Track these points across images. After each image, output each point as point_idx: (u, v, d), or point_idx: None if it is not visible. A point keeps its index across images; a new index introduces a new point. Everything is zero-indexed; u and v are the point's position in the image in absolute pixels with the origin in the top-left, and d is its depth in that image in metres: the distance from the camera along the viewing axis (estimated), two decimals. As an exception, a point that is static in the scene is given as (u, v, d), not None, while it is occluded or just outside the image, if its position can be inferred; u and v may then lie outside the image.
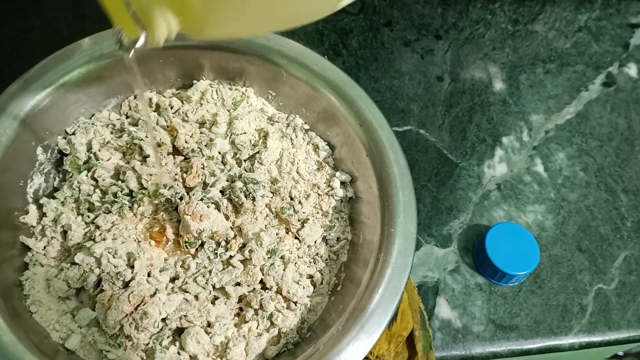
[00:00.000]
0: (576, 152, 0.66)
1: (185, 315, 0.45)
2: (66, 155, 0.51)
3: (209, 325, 0.45)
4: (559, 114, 0.69)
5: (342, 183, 0.53)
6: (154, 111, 0.54)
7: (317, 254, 0.50)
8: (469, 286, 0.57)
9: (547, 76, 0.71)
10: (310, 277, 0.49)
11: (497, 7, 0.76)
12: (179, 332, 0.46)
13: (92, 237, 0.47)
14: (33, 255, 0.47)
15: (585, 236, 0.61)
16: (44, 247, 0.48)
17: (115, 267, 0.45)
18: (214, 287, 0.47)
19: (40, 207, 0.49)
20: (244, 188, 0.49)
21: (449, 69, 0.70)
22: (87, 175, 0.50)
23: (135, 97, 0.55)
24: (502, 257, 0.55)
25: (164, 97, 0.55)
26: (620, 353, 1.42)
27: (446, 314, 0.55)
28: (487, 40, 0.73)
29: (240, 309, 0.48)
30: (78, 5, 0.67)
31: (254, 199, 0.48)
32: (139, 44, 0.35)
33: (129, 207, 0.48)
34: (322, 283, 0.49)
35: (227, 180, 0.50)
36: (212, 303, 0.46)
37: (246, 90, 0.56)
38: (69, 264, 0.46)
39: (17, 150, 0.47)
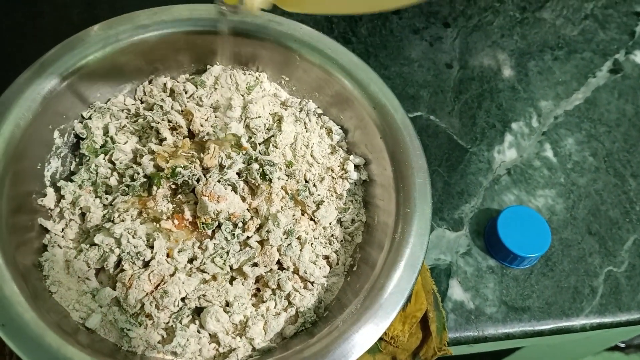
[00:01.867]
0: (585, 137, 0.66)
1: (204, 295, 0.45)
2: (83, 139, 0.52)
3: (228, 304, 0.46)
4: (567, 100, 0.69)
5: (356, 166, 0.53)
6: (168, 96, 0.54)
7: (332, 235, 0.51)
8: (480, 269, 0.57)
9: (555, 63, 0.72)
10: (326, 257, 0.50)
11: (505, -5, 0.77)
12: (198, 311, 0.46)
13: (111, 219, 0.47)
14: (52, 237, 0.47)
15: (595, 220, 0.61)
16: (62, 229, 0.48)
17: (135, 247, 0.45)
18: (231, 267, 0.47)
19: (57, 190, 0.49)
20: (260, 170, 0.49)
21: (457, 56, 0.70)
22: (104, 159, 0.50)
23: (150, 82, 0.55)
24: (514, 240, 0.56)
25: (177, 82, 0.55)
26: (622, 344, 1.43)
27: (459, 295, 0.56)
28: (496, 28, 0.73)
29: (258, 289, 0.48)
30: (89, -8, 0.67)
31: (270, 181, 0.49)
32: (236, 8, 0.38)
33: (147, 189, 0.49)
34: (337, 264, 0.50)
35: (244, 163, 0.50)
36: (230, 283, 0.47)
37: (259, 75, 0.56)
38: (89, 245, 0.46)
39: (35, 134, 0.47)
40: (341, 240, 0.51)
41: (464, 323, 0.55)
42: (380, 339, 0.53)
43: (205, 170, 0.50)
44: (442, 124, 0.65)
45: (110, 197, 0.49)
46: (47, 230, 0.48)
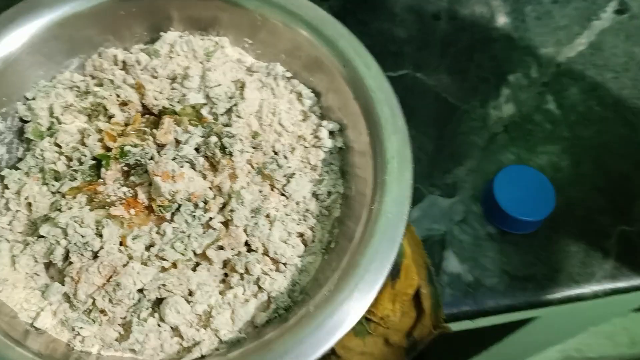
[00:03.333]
0: (590, 85, 0.60)
1: (164, 285, 0.41)
2: (27, 122, 0.47)
3: (190, 293, 0.41)
4: (570, 45, 0.63)
5: (331, 133, 0.48)
6: (120, 69, 0.50)
7: (306, 210, 0.46)
8: (479, 237, 0.52)
9: (554, 6, 0.65)
10: (301, 235, 0.45)
11: (495, -64, 0.70)
12: (160, 303, 0.42)
13: (59, 208, 0.43)
14: (-2, 231, 0.43)
15: (603, 175, 0.56)
16: (10, 222, 0.44)
17: (82, 236, 0.41)
18: (195, 253, 0.43)
19: (2, 179, 0.45)
20: (219, 143, 0.44)
21: (446, 6, 0.64)
22: (49, 142, 0.46)
23: (99, 55, 0.50)
24: (512, 203, 0.51)
25: (130, 53, 0.50)
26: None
27: (455, 268, 0.51)
28: (487, -27, 0.67)
29: (226, 274, 0.44)
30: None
31: (231, 155, 0.44)
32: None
33: (97, 172, 0.44)
34: (313, 241, 0.45)
35: (202, 136, 0.45)
36: (193, 270, 0.42)
37: (219, 40, 0.51)
38: (35, 238, 0.42)
39: (-30, 120, 0.43)
40: (317, 215, 0.46)
41: (461, 297, 0.50)
42: (369, 320, 0.48)
43: (160, 147, 0.45)
44: (430, 82, 0.59)
45: (58, 184, 0.44)
46: (-10, 224, 0.44)
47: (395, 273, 0.48)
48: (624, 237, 0.53)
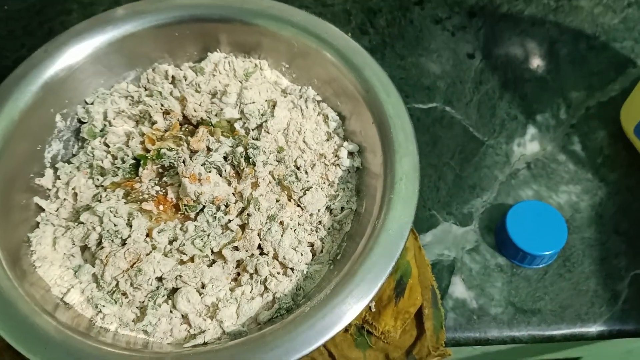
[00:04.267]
0: (619, 130, 0.61)
1: (180, 276, 0.45)
2: (84, 123, 0.53)
3: (203, 286, 0.45)
4: (602, 91, 0.64)
5: (350, 153, 0.51)
6: (170, 83, 0.55)
7: (319, 222, 0.49)
8: (488, 266, 0.54)
9: (590, 52, 0.66)
10: (311, 245, 0.48)
11: (540, -17, 0.72)
12: (175, 292, 0.46)
13: (99, 199, 0.48)
14: (46, 215, 0.49)
15: (624, 218, 0.56)
16: (57, 209, 0.50)
17: (115, 225, 0.46)
18: (212, 251, 0.47)
19: (56, 171, 0.51)
20: (245, 153, 0.48)
21: (481, 46, 0.67)
22: (100, 142, 0.52)
23: (153, 70, 0.56)
24: (524, 236, 0.52)
25: (180, 69, 0.56)
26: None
27: (461, 293, 0.52)
28: (526, 16, 0.69)
29: (238, 274, 0.47)
30: (114, -10, 0.70)
31: (254, 165, 0.48)
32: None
33: (136, 171, 0.50)
34: (322, 251, 0.48)
35: (231, 147, 0.50)
36: (208, 266, 0.46)
37: (259, 63, 0.56)
38: (76, 224, 0.48)
39: (35, 116, 0.50)
40: (329, 228, 0.49)
41: (464, 323, 0.51)
42: (370, 333, 0.50)
43: (193, 153, 0.50)
44: (458, 115, 0.62)
45: (102, 179, 0.50)
46: (42, 209, 0.50)
47: (400, 291, 0.50)
48: (636, 281, 0.53)
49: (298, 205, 0.49)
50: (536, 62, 0.66)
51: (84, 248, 0.48)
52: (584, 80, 0.64)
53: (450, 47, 0.67)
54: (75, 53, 0.52)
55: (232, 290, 0.46)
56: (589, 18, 0.69)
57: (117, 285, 0.45)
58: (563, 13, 0.69)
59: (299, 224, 0.48)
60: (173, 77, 0.56)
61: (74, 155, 0.53)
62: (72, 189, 0.49)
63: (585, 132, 0.61)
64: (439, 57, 0.66)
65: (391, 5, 0.70)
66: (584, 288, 0.53)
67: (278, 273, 0.46)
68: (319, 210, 0.49)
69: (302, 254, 0.47)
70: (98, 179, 0.50)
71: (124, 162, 0.50)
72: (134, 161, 0.50)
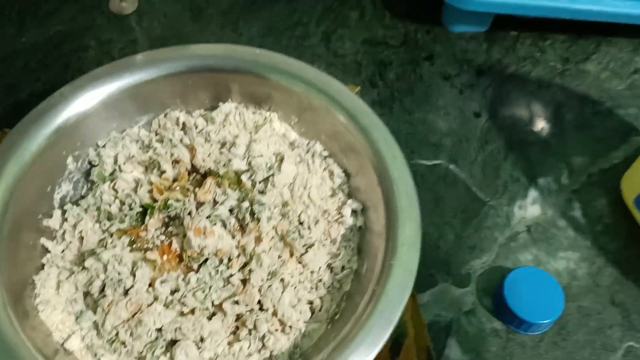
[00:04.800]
0: (620, 199, 0.61)
1: (179, 328, 0.46)
2: (95, 166, 0.54)
3: (202, 339, 0.46)
4: (605, 157, 0.65)
5: (354, 211, 0.52)
6: (180, 129, 0.56)
7: (319, 280, 0.50)
8: (484, 330, 0.54)
9: (595, 118, 0.68)
10: (310, 303, 0.49)
11: (548, 44, 0.74)
12: (174, 344, 0.46)
13: (105, 245, 0.49)
14: (51, 257, 0.50)
15: (620, 289, 0.56)
16: (63, 251, 0.50)
17: (119, 273, 0.47)
18: (213, 303, 0.47)
19: (64, 212, 0.52)
20: (250, 208, 0.49)
21: (488, 105, 0.68)
22: (109, 186, 0.53)
23: (165, 116, 0.58)
24: (521, 303, 0.52)
25: (192, 117, 0.57)
26: None
27: (456, 356, 0.53)
28: (533, 78, 0.71)
29: (237, 327, 0.48)
30: (131, 29, 0.72)
31: (258, 220, 0.49)
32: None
33: (142, 219, 0.50)
34: (321, 310, 0.49)
35: (237, 200, 0.51)
36: (208, 319, 0.47)
37: (270, 115, 0.57)
38: (80, 268, 0.48)
39: (47, 159, 0.51)
40: (328, 287, 0.50)
41: (458, 387, 0.52)
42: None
43: (200, 204, 0.51)
44: (462, 174, 0.63)
45: (109, 224, 0.51)
46: (48, 250, 0.50)
47: (395, 352, 0.51)
48: (630, 354, 0.53)
49: (299, 262, 0.50)
50: (541, 125, 0.67)
51: (87, 294, 0.48)
52: (587, 146, 0.65)
53: (458, 104, 0.68)
54: (91, 97, 0.53)
55: (230, 344, 0.46)
56: (595, 83, 0.70)
57: (117, 334, 0.45)
58: (570, 77, 0.71)
59: (299, 282, 0.49)
60: (184, 123, 0.57)
61: (82, 197, 0.54)
62: (79, 232, 0.50)
63: (586, 199, 0.62)
64: (446, 115, 0.67)
65: (402, 59, 0.71)
66: (578, 358, 0.53)
67: (276, 330, 0.46)
68: (319, 268, 0.50)
69: (300, 312, 0.47)
70: (105, 224, 0.51)
71: (131, 209, 0.51)
72: (141, 209, 0.51)
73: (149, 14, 0.73)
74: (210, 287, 0.47)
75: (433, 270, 0.57)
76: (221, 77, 0.57)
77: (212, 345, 0.45)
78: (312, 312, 0.48)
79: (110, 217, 0.51)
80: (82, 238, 0.51)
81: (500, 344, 0.53)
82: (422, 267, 0.56)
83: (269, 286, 0.47)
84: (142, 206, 0.51)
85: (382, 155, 0.51)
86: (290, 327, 0.47)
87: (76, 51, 0.70)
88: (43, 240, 0.50)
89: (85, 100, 0.53)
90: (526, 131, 0.66)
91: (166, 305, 0.46)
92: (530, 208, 0.61)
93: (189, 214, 0.49)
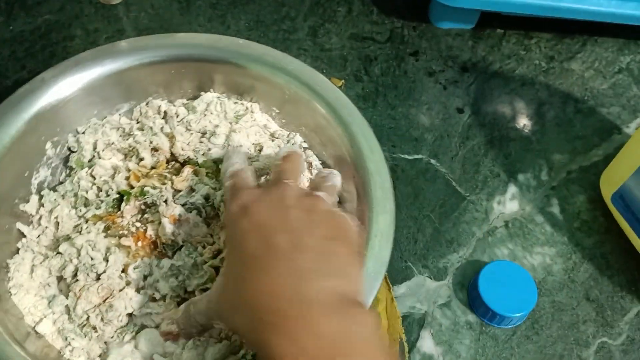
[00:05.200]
0: (599, 196, 0.62)
1: (150, 314, 0.46)
2: (73, 152, 0.55)
3: (172, 326, 0.46)
4: (585, 155, 0.65)
5: (330, 203, 0.52)
6: (162, 118, 0.57)
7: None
8: (458, 323, 0.54)
9: (577, 116, 0.68)
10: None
11: (533, 43, 0.74)
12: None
13: (79, 230, 0.49)
14: (27, 241, 0.50)
15: (595, 285, 0.57)
16: (38, 236, 0.51)
17: (92, 259, 0.47)
18: (185, 290, 0.48)
19: (41, 197, 0.52)
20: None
21: (471, 102, 0.68)
22: (87, 173, 0.53)
23: (147, 104, 0.58)
24: (494, 296, 0.53)
25: (174, 106, 0.58)
26: None
27: (429, 348, 0.53)
28: (517, 76, 0.71)
29: (209, 315, 0.48)
30: (118, 19, 0.72)
31: (233, 208, 0.49)
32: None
33: (119, 205, 0.51)
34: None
35: (213, 188, 0.51)
36: (178, 304, 0.47)
37: (251, 106, 0.57)
38: (55, 253, 0.49)
39: (26, 143, 0.51)
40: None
41: (430, 378, 0.52)
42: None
43: (176, 192, 0.51)
44: (442, 169, 0.63)
45: (84, 210, 0.51)
46: (24, 235, 0.50)
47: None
48: (603, 350, 0.53)
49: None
50: (523, 122, 0.67)
51: (60, 278, 0.49)
52: (568, 143, 0.66)
53: (441, 100, 0.68)
54: (72, 83, 0.53)
55: (199, 333, 0.47)
56: (579, 81, 0.71)
57: (87, 319, 0.45)
58: (554, 75, 0.71)
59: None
60: (165, 112, 0.57)
61: (60, 183, 0.54)
62: (55, 217, 0.50)
63: (565, 195, 0.62)
64: (429, 110, 0.67)
65: (387, 54, 0.72)
66: (550, 352, 0.53)
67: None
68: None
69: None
70: (81, 210, 0.51)
71: (108, 195, 0.51)
72: (117, 195, 0.51)
73: (136, 4, 0.74)
74: (183, 274, 0.47)
75: (410, 263, 0.57)
76: (204, 67, 0.57)
77: (182, 331, 0.45)
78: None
79: (87, 204, 0.52)
80: (57, 223, 0.51)
81: (474, 337, 0.54)
82: (399, 259, 0.57)
83: (242, 274, 0.47)
84: (118, 193, 0.51)
85: (360, 147, 0.51)
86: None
87: (63, 40, 0.70)
88: (19, 225, 0.50)
89: (66, 85, 0.53)
90: (508, 128, 0.66)
91: (137, 290, 0.47)
92: (509, 203, 0.61)
93: (165, 201, 0.49)
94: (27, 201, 0.51)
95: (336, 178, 0.47)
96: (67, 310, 0.46)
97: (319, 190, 0.45)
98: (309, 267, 0.37)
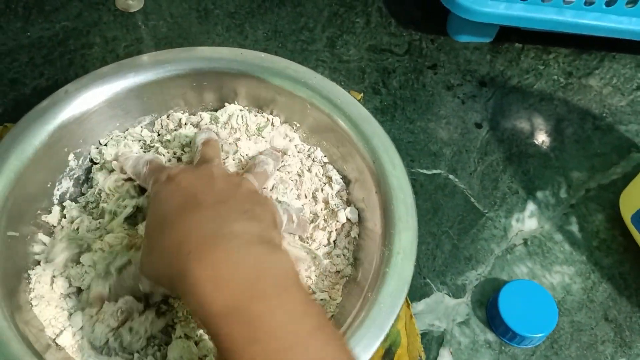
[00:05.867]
0: (618, 215, 0.61)
1: (172, 327, 0.46)
2: (96, 164, 0.55)
3: (196, 343, 0.46)
4: (604, 173, 0.65)
5: (350, 219, 0.52)
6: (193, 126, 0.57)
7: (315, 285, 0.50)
8: (477, 342, 0.54)
9: (596, 133, 0.68)
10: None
11: (552, 58, 0.74)
12: (167, 343, 0.47)
13: (100, 241, 0.49)
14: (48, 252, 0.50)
15: (614, 305, 0.57)
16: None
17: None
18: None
19: (63, 209, 0.52)
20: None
21: (489, 117, 0.68)
22: (108, 185, 0.53)
23: (167, 117, 0.58)
24: (515, 316, 0.53)
25: (194, 117, 0.58)
26: None
27: (448, 367, 0.53)
28: (536, 91, 0.71)
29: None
30: (137, 27, 0.72)
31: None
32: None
33: (134, 217, 0.51)
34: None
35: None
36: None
37: (271, 118, 0.57)
38: (75, 264, 0.49)
39: (49, 155, 0.51)
40: (323, 292, 0.50)
41: (448, 397, 0.52)
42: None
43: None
44: (461, 185, 0.63)
45: (105, 221, 0.51)
46: (45, 245, 0.50)
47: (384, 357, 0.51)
48: (622, 371, 0.53)
49: (295, 267, 0.50)
50: (541, 138, 0.67)
51: (80, 289, 0.49)
52: (586, 160, 0.65)
53: (460, 114, 0.68)
54: (95, 95, 0.53)
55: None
56: (597, 98, 0.71)
57: (106, 342, 0.45)
58: (572, 91, 0.71)
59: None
60: (186, 124, 0.57)
61: (82, 194, 0.54)
62: (76, 229, 0.50)
63: (584, 213, 0.62)
64: (447, 124, 0.67)
65: (406, 67, 0.72)
66: (570, 373, 0.53)
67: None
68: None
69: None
70: (101, 222, 0.51)
71: (126, 207, 0.51)
72: (136, 209, 0.51)
73: (155, 12, 0.74)
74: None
75: (428, 280, 0.57)
76: (226, 80, 0.57)
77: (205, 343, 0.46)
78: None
79: (106, 215, 0.52)
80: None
81: (493, 356, 0.54)
82: (417, 276, 0.57)
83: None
84: (137, 206, 0.51)
85: (382, 163, 0.51)
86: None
87: (81, 48, 0.70)
88: (41, 236, 0.50)
89: (89, 98, 0.53)
90: (526, 144, 0.66)
91: (157, 315, 0.46)
92: (527, 221, 0.61)
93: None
94: (49, 212, 0.52)
95: (268, 166, 0.50)
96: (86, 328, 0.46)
97: (248, 173, 0.48)
98: (231, 215, 0.39)
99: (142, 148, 0.56)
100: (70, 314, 0.47)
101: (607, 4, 0.68)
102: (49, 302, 0.47)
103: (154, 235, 0.41)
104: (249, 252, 0.36)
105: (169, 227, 0.39)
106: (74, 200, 0.53)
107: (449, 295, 0.56)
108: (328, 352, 0.33)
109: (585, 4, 0.68)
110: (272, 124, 0.57)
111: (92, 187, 0.54)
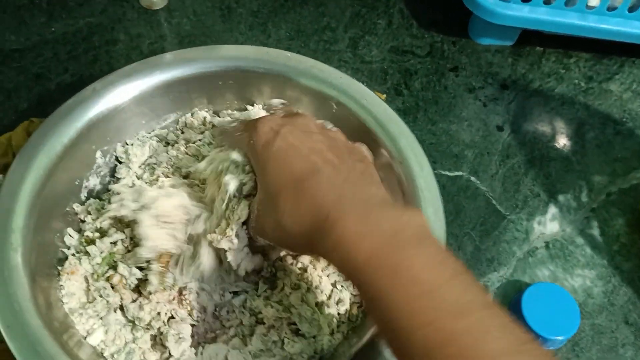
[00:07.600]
0: (637, 219, 0.62)
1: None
2: (121, 162, 0.55)
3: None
4: (625, 177, 0.65)
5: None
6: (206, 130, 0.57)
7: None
8: (499, 343, 0.54)
9: (616, 137, 0.68)
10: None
11: (572, 62, 0.74)
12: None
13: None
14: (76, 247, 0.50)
15: (634, 309, 0.57)
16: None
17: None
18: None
19: (89, 206, 0.52)
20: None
21: (511, 119, 0.68)
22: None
23: (192, 115, 0.58)
24: (538, 319, 0.53)
25: (219, 117, 0.58)
26: None
27: (470, 368, 0.53)
28: (557, 95, 0.71)
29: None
30: (160, 25, 0.72)
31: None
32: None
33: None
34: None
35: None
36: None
37: (298, 118, 0.57)
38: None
39: (77, 152, 0.51)
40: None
41: (471, 398, 0.52)
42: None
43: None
44: (483, 187, 0.63)
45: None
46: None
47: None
48: (643, 375, 0.54)
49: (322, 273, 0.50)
50: (563, 142, 0.67)
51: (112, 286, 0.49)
52: (607, 165, 0.66)
53: (481, 117, 0.68)
54: (122, 93, 0.53)
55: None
56: (618, 103, 0.71)
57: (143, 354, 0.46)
58: (593, 95, 0.71)
59: (321, 292, 0.49)
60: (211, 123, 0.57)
61: (107, 191, 0.54)
62: (100, 225, 0.51)
63: (605, 217, 0.62)
64: (469, 126, 0.67)
65: (428, 68, 0.72)
66: (591, 376, 0.54)
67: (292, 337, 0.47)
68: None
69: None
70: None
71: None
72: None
73: (179, 10, 0.74)
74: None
75: (450, 281, 0.57)
76: (251, 79, 0.57)
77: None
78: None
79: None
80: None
81: (515, 358, 0.54)
82: (440, 277, 0.57)
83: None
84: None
85: (410, 164, 0.51)
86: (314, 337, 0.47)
87: (106, 44, 0.70)
88: (69, 231, 0.51)
89: (117, 95, 0.53)
90: (548, 147, 0.67)
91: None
92: (549, 224, 0.61)
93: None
94: (77, 208, 0.52)
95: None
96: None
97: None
98: (354, 178, 0.41)
99: (164, 146, 0.56)
100: (101, 318, 0.47)
101: (630, 10, 0.68)
102: (79, 299, 0.47)
103: (280, 199, 0.41)
104: (384, 210, 0.38)
105: (300, 192, 0.40)
106: (99, 197, 0.53)
107: (472, 297, 0.57)
108: (467, 297, 0.34)
109: (607, 9, 0.68)
110: (298, 123, 0.57)
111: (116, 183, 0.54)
